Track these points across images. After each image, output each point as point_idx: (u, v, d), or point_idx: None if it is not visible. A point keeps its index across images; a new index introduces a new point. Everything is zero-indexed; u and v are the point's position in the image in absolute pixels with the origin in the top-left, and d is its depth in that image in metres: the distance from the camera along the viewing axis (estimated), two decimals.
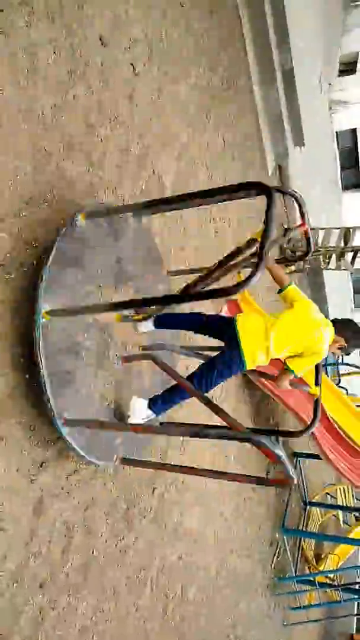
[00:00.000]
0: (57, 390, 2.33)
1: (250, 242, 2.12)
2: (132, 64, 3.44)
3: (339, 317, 3.30)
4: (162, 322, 3.11)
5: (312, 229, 8.46)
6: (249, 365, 2.85)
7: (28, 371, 2.33)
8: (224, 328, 2.92)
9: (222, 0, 5.38)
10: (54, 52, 2.61)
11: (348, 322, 3.17)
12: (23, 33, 2.41)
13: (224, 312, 5.23)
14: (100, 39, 3.06)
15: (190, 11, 4.54)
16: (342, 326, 3.09)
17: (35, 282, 2.29)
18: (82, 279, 2.55)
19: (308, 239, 3.10)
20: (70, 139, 2.75)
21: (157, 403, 2.94)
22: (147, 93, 3.67)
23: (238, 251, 2.23)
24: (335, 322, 3.08)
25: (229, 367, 2.86)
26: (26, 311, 2.31)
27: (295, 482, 1.92)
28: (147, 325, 3.08)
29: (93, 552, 2.88)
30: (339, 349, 3.09)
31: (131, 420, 2.82)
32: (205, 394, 2.73)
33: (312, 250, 3.20)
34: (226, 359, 2.86)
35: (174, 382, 2.87)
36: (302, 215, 3.05)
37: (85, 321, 2.60)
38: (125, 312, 2.93)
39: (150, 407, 2.91)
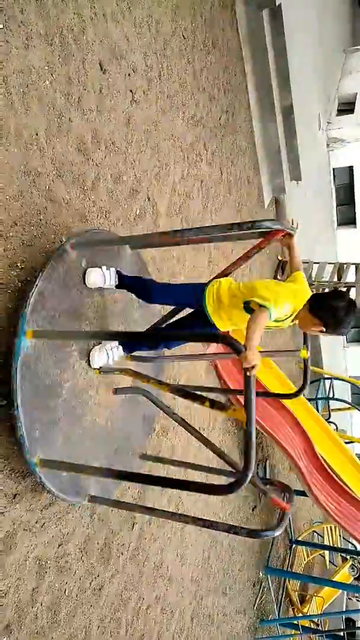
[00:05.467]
0: (31, 423, 2.23)
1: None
2: (131, 91, 3.44)
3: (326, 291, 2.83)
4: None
5: (306, 262, 8.52)
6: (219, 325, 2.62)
7: (4, 397, 2.23)
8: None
9: (224, 37, 5.47)
10: (51, 75, 2.59)
11: (332, 299, 2.45)
12: (20, 54, 2.39)
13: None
14: (100, 65, 3.05)
15: (193, 44, 4.60)
16: (321, 304, 2.44)
17: (19, 305, 2.22)
18: (69, 310, 2.47)
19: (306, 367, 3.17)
20: (63, 163, 2.71)
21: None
22: (144, 121, 3.67)
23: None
24: (315, 297, 2.49)
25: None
26: (7, 335, 2.23)
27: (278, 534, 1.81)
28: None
29: (65, 592, 2.73)
30: (319, 332, 2.48)
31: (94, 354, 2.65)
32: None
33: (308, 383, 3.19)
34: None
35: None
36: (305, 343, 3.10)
37: (69, 361, 2.51)
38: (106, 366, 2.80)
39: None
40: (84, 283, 2.57)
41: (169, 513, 2.27)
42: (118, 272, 2.75)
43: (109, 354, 2.73)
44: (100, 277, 2.62)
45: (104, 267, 2.65)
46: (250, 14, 6.00)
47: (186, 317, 2.86)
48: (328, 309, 2.41)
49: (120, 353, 2.83)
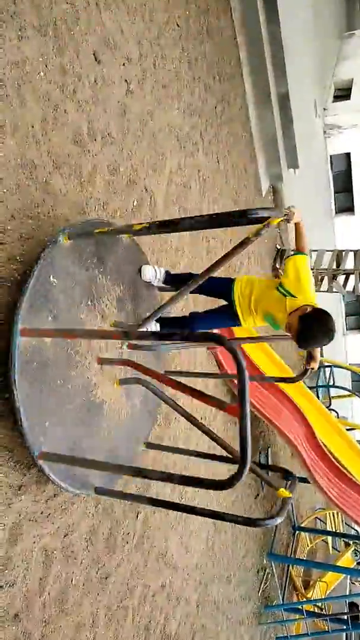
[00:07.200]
0: (33, 418, 2.24)
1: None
2: (126, 81, 3.42)
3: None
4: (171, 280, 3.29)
5: None
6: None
7: (6, 391, 2.25)
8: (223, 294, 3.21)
9: (219, 25, 5.43)
10: (46, 66, 2.58)
11: (317, 320, 2.69)
12: (14, 46, 2.37)
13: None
14: (94, 55, 3.04)
15: (187, 33, 4.57)
16: (306, 321, 2.67)
17: (18, 298, 2.22)
18: (67, 298, 2.47)
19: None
20: (60, 155, 2.70)
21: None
22: (140, 111, 3.65)
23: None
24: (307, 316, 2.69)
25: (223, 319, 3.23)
26: (6, 329, 2.23)
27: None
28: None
29: (72, 580, 2.76)
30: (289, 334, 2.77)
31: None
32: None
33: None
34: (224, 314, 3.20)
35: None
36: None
37: (69, 350, 2.52)
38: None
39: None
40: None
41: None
42: (167, 272, 3.24)
43: (157, 271, 3.17)
44: (152, 273, 3.11)
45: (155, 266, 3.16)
46: (244, 0, 5.95)
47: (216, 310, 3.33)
48: (309, 329, 2.70)
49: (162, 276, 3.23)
